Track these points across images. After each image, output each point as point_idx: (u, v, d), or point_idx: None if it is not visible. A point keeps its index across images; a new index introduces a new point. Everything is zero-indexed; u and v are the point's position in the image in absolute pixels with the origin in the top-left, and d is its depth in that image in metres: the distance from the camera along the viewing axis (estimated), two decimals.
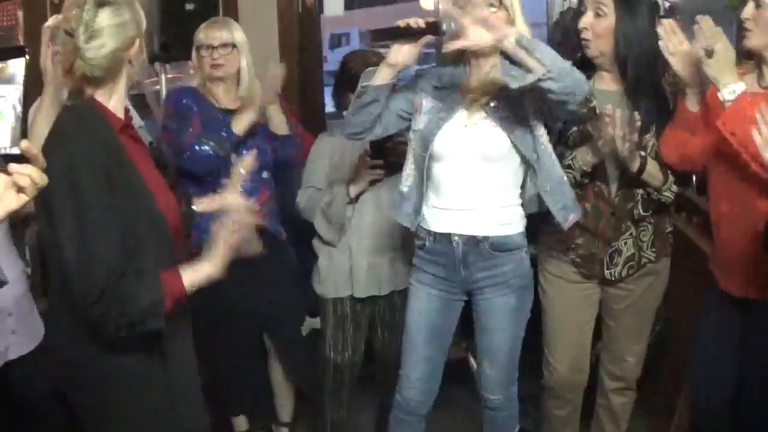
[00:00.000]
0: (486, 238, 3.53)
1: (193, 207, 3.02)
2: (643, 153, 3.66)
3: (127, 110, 2.91)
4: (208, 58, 4.28)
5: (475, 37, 3.17)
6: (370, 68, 3.53)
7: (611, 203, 3.79)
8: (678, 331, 4.38)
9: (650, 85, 3.70)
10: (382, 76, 3.41)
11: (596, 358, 4.21)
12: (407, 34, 3.27)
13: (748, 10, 3.19)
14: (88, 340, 2.66)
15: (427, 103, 3.54)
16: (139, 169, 2.76)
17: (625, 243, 3.85)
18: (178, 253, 2.87)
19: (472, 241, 3.55)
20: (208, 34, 4.30)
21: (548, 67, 3.11)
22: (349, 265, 4.24)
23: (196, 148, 4.10)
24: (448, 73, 3.54)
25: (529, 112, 3.44)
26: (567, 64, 3.22)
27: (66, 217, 2.54)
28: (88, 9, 2.62)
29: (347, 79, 4.24)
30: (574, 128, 3.79)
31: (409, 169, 3.65)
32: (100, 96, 2.75)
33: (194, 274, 2.70)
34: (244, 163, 3.06)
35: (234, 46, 4.31)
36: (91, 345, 2.68)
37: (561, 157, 3.67)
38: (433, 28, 3.23)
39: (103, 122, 2.73)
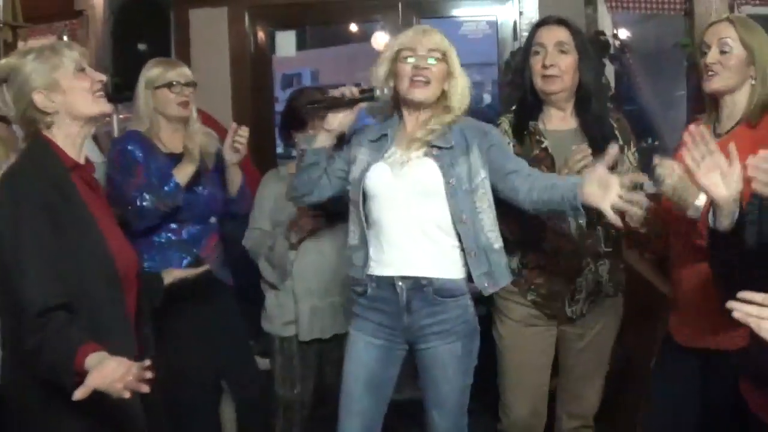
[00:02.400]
0: (430, 281, 3.49)
1: None
2: None
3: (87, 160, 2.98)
4: (177, 95, 4.18)
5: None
6: (310, 133, 3.68)
7: (571, 240, 3.80)
8: (633, 367, 4.40)
9: (605, 119, 3.80)
10: (320, 140, 3.57)
11: (551, 395, 4.19)
12: (346, 104, 3.45)
13: (714, 55, 3.23)
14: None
15: (361, 155, 3.57)
16: (91, 211, 2.79)
17: (586, 279, 3.85)
18: (129, 299, 2.89)
19: (417, 285, 3.49)
20: (177, 71, 4.23)
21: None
22: (293, 309, 4.26)
23: (138, 202, 3.99)
24: (381, 126, 3.63)
25: (473, 173, 3.48)
26: None
27: (2, 250, 2.61)
28: None
29: (293, 117, 4.30)
30: None
31: (353, 222, 3.64)
32: (51, 135, 2.83)
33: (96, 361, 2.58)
34: None
35: (195, 85, 4.29)
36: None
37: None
38: (369, 94, 3.47)
39: (55, 160, 2.78)
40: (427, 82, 3.44)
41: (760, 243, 2.55)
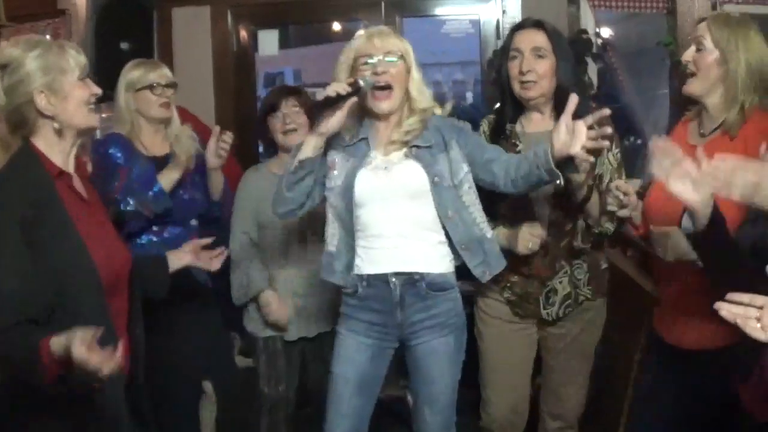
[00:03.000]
0: (422, 276, 3.52)
1: None
2: (590, 182, 3.67)
3: (80, 158, 2.97)
4: (159, 97, 4.17)
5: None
6: (298, 143, 3.57)
7: (543, 243, 3.79)
8: (618, 368, 4.39)
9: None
10: (313, 146, 3.48)
11: (535, 394, 4.20)
12: (337, 101, 3.39)
13: (689, 53, 3.23)
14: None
15: (339, 160, 3.57)
16: (74, 218, 2.76)
17: (560, 282, 3.84)
18: (119, 302, 2.88)
19: (410, 281, 3.52)
20: (158, 72, 4.21)
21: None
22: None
23: (122, 206, 3.97)
24: (353, 130, 3.60)
25: (454, 168, 3.51)
26: None
27: None
28: None
29: (264, 104, 4.39)
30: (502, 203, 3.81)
31: (332, 228, 3.63)
32: (36, 141, 2.79)
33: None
34: None
35: (176, 85, 4.28)
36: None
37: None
38: (355, 88, 3.41)
39: (39, 168, 2.75)
40: (389, 89, 3.47)
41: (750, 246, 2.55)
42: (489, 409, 4.04)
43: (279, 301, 4.24)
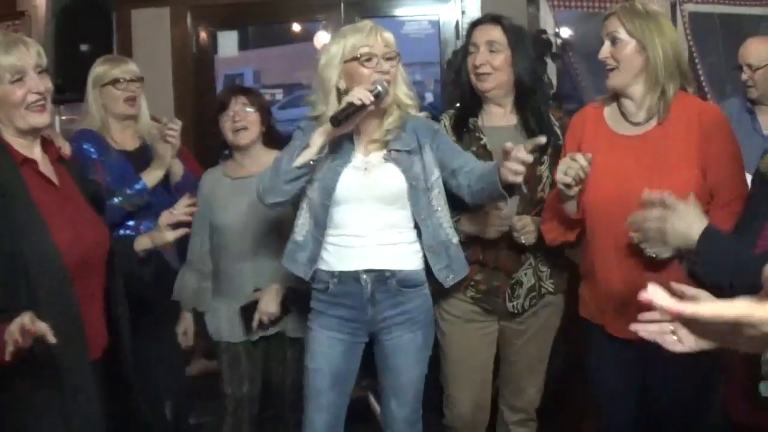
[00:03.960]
0: (393, 273, 3.53)
1: None
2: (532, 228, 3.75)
3: (50, 143, 2.99)
4: (124, 92, 4.21)
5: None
6: (294, 142, 3.53)
7: (509, 236, 3.81)
8: (578, 362, 4.42)
9: (541, 114, 3.84)
10: (320, 146, 3.40)
11: (496, 392, 4.22)
12: (360, 109, 3.30)
13: (606, 49, 3.26)
14: None
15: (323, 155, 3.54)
16: (39, 203, 2.76)
17: (525, 274, 3.88)
18: (93, 283, 2.90)
19: (380, 278, 3.54)
20: (122, 68, 4.24)
21: None
22: (228, 312, 4.20)
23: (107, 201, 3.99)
24: None
25: (427, 171, 3.52)
26: None
27: None
28: None
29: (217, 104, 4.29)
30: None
31: (303, 218, 3.63)
32: (2, 133, 2.82)
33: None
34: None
35: (142, 80, 4.29)
36: None
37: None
38: (375, 94, 3.32)
39: (3, 156, 2.77)
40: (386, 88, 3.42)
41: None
42: (452, 406, 4.08)
43: (191, 327, 4.32)
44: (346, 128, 3.40)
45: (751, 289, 1.62)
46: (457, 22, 6.84)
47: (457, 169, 3.50)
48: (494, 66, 3.75)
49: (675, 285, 2.00)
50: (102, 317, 2.97)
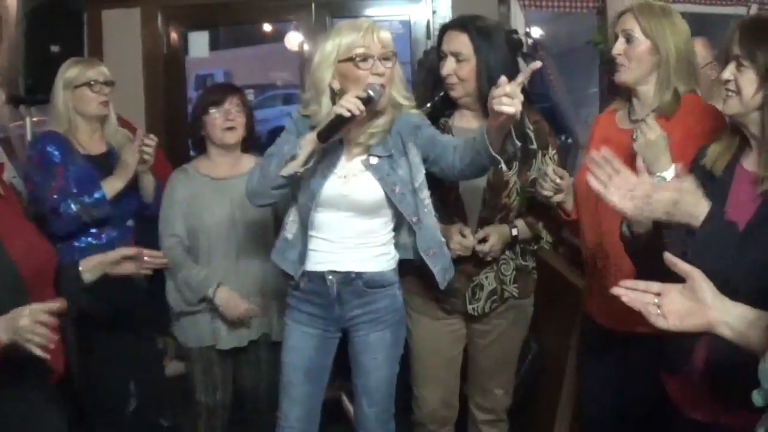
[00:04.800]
0: (359, 275, 3.54)
1: None
2: (515, 227, 3.80)
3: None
4: (98, 95, 4.18)
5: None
6: (287, 149, 3.40)
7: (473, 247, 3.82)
8: (552, 362, 4.44)
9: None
10: (310, 155, 3.31)
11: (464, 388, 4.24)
12: (351, 119, 3.23)
13: (619, 46, 3.27)
14: None
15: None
16: None
17: (487, 277, 3.88)
18: (47, 296, 2.82)
19: (346, 279, 3.54)
20: (97, 69, 4.21)
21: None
22: (210, 318, 4.16)
23: (62, 209, 3.97)
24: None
25: (414, 172, 3.47)
26: None
27: None
28: None
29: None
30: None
31: (293, 215, 3.63)
32: None
33: None
34: None
35: (114, 84, 4.26)
36: None
37: None
38: (366, 101, 3.23)
39: None
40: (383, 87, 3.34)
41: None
42: (421, 404, 4.10)
43: (235, 296, 4.11)
44: (336, 139, 3.35)
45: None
46: (428, 23, 6.84)
47: (441, 152, 3.41)
48: (460, 77, 3.71)
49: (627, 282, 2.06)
50: (57, 331, 2.94)
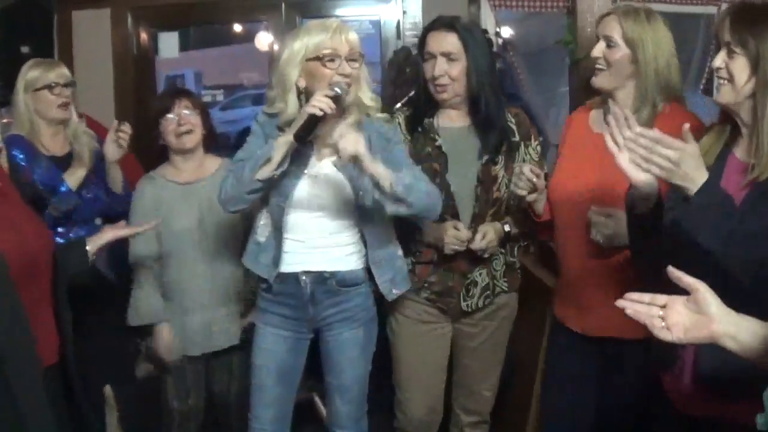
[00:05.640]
0: (332, 274, 3.56)
1: None
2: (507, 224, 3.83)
3: None
4: (58, 97, 4.16)
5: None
6: (260, 153, 3.40)
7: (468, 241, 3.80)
8: (525, 361, 4.45)
9: (497, 118, 3.79)
10: (284, 157, 3.34)
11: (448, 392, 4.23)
12: (323, 117, 3.25)
13: (599, 48, 3.24)
14: None
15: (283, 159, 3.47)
16: None
17: (480, 273, 3.88)
18: (41, 286, 2.89)
19: (319, 279, 3.56)
20: (57, 71, 4.19)
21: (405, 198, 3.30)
22: (181, 325, 4.13)
23: None
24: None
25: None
26: (425, 197, 3.40)
27: None
28: None
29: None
30: None
31: (264, 219, 3.63)
32: None
33: None
34: None
35: (75, 84, 4.25)
36: None
37: None
38: (334, 98, 3.25)
39: None
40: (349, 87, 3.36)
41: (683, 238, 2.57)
42: (405, 409, 4.07)
43: (171, 342, 4.12)
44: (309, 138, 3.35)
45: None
46: (398, 23, 6.86)
47: None
48: (452, 77, 3.71)
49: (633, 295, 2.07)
50: (52, 321, 2.96)
